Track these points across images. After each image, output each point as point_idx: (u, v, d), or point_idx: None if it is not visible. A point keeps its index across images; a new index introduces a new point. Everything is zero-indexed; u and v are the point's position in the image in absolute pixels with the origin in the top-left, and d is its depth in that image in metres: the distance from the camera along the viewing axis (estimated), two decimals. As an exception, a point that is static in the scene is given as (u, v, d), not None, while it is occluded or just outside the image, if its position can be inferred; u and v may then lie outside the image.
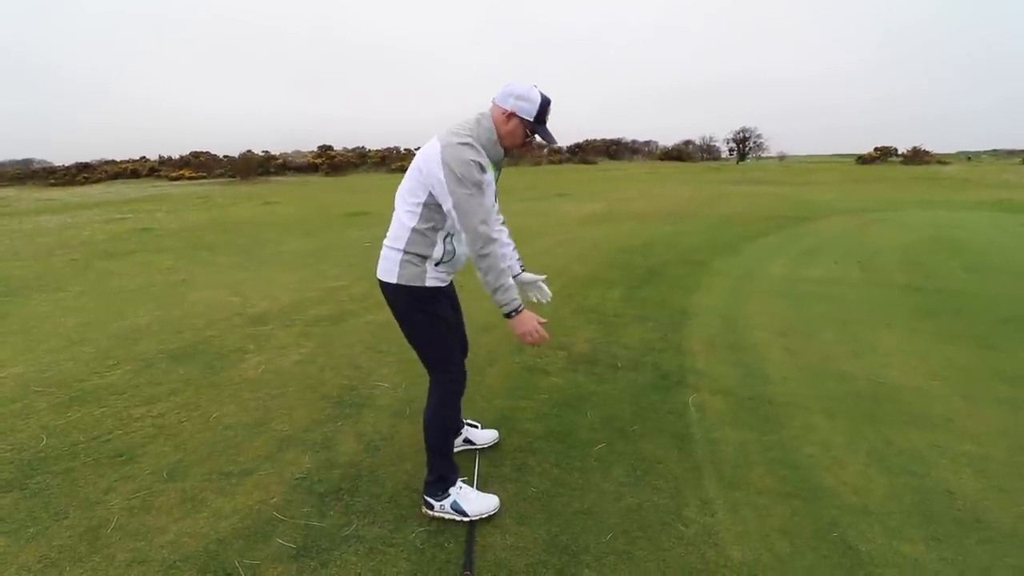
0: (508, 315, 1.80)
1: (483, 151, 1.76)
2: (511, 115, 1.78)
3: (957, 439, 2.51)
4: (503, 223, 2.15)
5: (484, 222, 1.71)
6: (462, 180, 1.68)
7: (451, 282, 2.07)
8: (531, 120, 1.79)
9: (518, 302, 1.79)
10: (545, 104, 1.80)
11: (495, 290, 1.76)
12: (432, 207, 1.77)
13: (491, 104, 1.84)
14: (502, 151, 1.84)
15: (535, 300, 2.22)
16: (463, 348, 2.20)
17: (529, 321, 1.81)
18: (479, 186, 1.71)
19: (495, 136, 1.80)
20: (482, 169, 1.73)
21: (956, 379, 3.15)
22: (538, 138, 1.89)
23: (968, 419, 2.69)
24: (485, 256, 1.72)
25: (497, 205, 2.07)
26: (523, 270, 2.19)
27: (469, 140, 1.73)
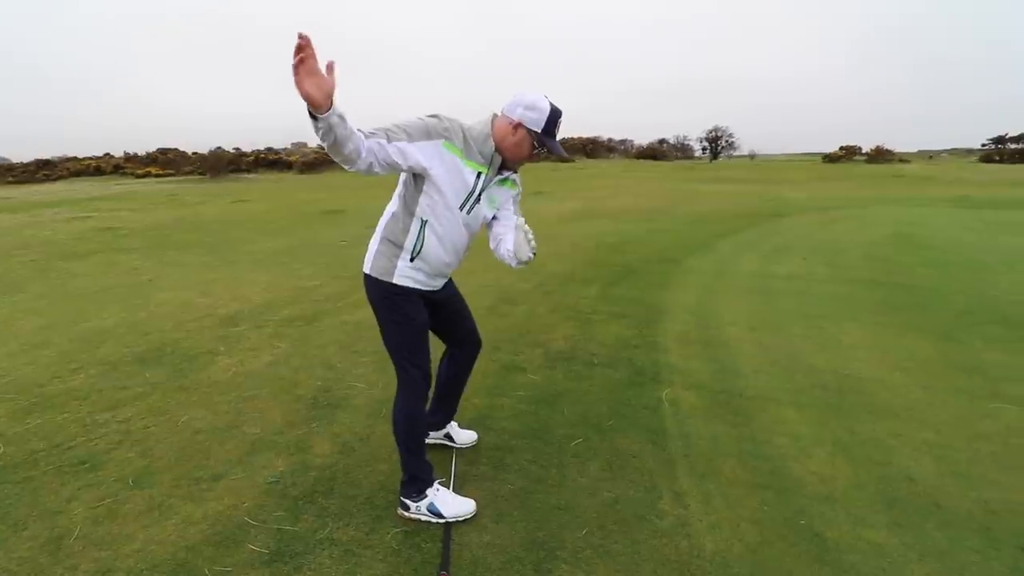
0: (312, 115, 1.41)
1: (458, 132, 1.70)
2: (518, 126, 1.73)
3: (917, 428, 2.60)
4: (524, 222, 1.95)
5: (376, 136, 1.55)
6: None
7: (448, 285, 2.02)
8: (539, 132, 1.73)
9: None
10: (555, 115, 1.73)
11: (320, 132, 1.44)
12: (409, 186, 1.75)
13: (499, 114, 1.78)
14: (492, 147, 1.76)
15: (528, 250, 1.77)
16: (474, 344, 2.21)
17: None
18: (411, 127, 1.63)
19: (488, 130, 1.74)
20: (435, 131, 1.66)
21: (917, 371, 3.26)
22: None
23: (928, 409, 2.80)
24: (334, 141, 1.45)
25: (517, 209, 1.97)
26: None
27: (438, 114, 1.71)
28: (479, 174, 1.77)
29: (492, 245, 1.92)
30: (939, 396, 2.94)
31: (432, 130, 1.66)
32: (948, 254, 6.84)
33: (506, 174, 1.88)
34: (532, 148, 1.77)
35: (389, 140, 1.59)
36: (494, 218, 1.94)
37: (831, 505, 2.05)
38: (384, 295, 1.84)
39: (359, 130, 1.53)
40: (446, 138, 1.68)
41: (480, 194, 1.80)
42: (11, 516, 1.97)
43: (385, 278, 1.81)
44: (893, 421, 2.67)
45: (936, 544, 1.86)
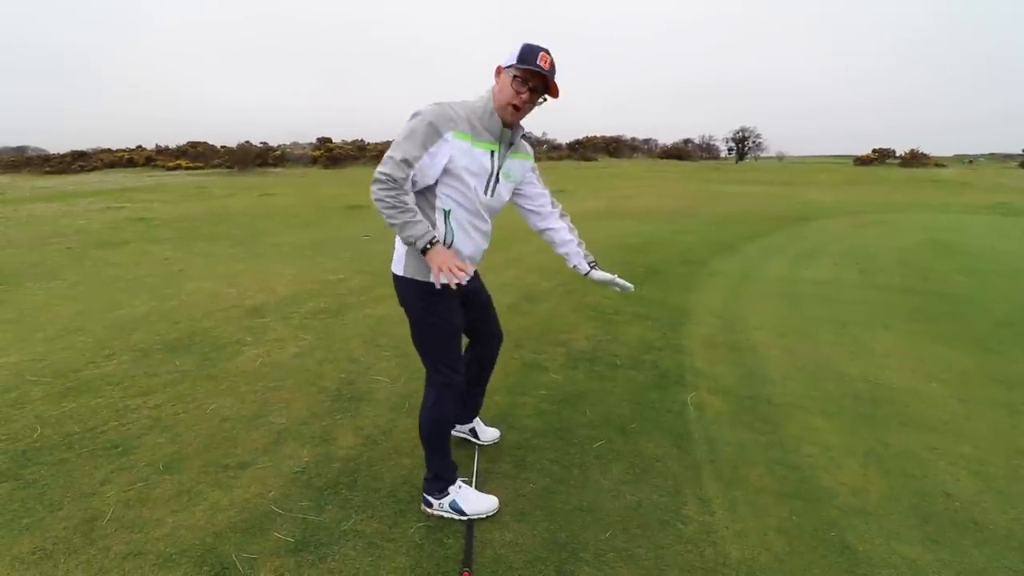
0: (423, 250, 1.63)
1: (462, 117, 1.66)
2: (497, 71, 1.71)
3: (954, 442, 2.51)
4: (562, 213, 2.10)
5: (395, 160, 1.59)
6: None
7: (474, 278, 2.01)
8: (514, 63, 1.64)
9: (430, 235, 1.62)
10: (528, 47, 1.66)
11: (396, 227, 1.63)
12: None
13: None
14: (499, 122, 1.71)
15: (618, 290, 2.11)
16: (497, 337, 2.21)
17: (441, 254, 1.62)
18: (415, 137, 1.62)
19: (491, 106, 1.70)
20: (441, 125, 1.63)
21: (953, 382, 3.16)
22: (546, 97, 1.74)
23: (965, 422, 2.70)
24: (379, 183, 1.59)
25: (547, 191, 2.04)
26: (593, 267, 2.10)
27: (441, 102, 1.67)
28: (492, 152, 1.74)
29: (535, 226, 2.10)
30: (977, 409, 2.83)
31: (437, 126, 1.63)
32: (986, 262, 6.61)
33: (516, 143, 1.83)
34: (513, 82, 1.67)
35: (410, 165, 1.61)
36: (519, 194, 1.99)
37: (863, 518, 1.99)
38: (420, 295, 1.80)
39: (406, 192, 1.62)
40: (453, 128, 1.65)
41: (498, 173, 1.78)
42: (47, 496, 2.03)
43: (421, 277, 1.77)
44: (928, 434, 2.58)
45: (973, 562, 1.79)
